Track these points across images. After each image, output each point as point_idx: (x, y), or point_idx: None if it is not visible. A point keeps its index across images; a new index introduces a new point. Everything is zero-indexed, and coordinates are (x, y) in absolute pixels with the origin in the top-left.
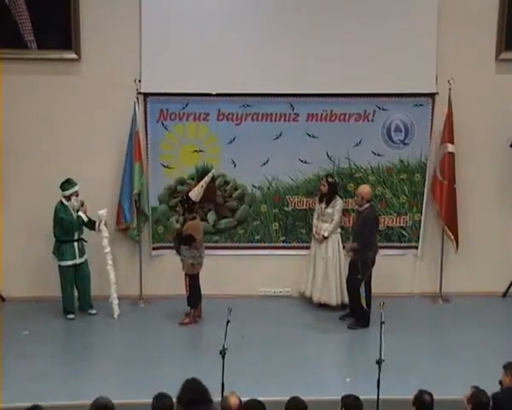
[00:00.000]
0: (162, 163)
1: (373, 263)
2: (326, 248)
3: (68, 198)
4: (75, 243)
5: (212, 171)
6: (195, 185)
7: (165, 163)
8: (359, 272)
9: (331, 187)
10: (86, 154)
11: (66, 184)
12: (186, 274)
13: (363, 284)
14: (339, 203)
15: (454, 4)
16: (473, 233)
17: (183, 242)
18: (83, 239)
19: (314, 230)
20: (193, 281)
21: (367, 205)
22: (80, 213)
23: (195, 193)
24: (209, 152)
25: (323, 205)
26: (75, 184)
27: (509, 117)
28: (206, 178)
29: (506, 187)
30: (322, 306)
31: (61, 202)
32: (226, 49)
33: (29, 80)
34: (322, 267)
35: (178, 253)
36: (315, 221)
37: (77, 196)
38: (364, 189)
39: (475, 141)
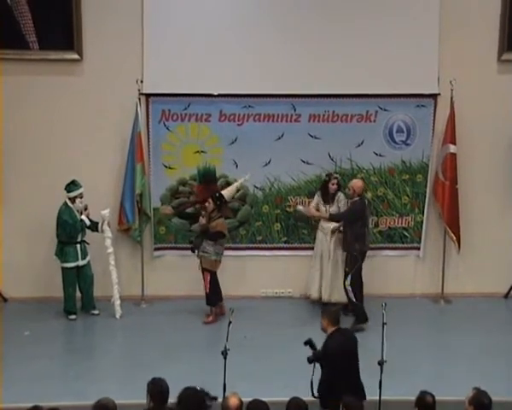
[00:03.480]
0: (164, 164)
1: (362, 258)
2: (334, 248)
3: (73, 200)
4: (78, 245)
5: (248, 174)
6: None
7: (167, 164)
8: (347, 265)
9: (339, 185)
10: (88, 154)
11: (72, 185)
12: (206, 271)
13: (349, 278)
14: (342, 199)
15: (456, 5)
16: (475, 234)
17: (211, 237)
18: (85, 241)
19: (320, 230)
20: (213, 278)
21: (357, 198)
22: (83, 217)
23: (229, 193)
24: (211, 153)
25: (329, 206)
26: (80, 186)
27: (511, 118)
28: (242, 181)
29: (508, 188)
30: (326, 305)
31: (66, 204)
32: (228, 50)
33: (31, 81)
34: (330, 267)
35: (195, 250)
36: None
37: (81, 198)
38: (357, 183)
39: (477, 142)
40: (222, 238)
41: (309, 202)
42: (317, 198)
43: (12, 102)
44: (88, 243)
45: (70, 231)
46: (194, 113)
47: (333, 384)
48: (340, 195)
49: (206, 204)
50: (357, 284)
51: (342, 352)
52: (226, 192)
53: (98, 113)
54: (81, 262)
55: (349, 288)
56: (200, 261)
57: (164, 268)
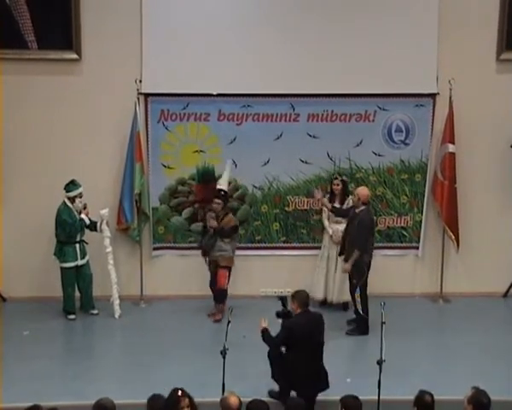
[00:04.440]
0: (163, 163)
1: (368, 268)
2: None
3: (72, 200)
4: (77, 245)
5: (230, 160)
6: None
7: (166, 163)
8: (354, 277)
9: (344, 186)
10: (87, 154)
11: (71, 185)
12: (224, 268)
13: (358, 290)
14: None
15: (455, 4)
16: (474, 233)
17: (228, 235)
18: (84, 241)
19: (330, 232)
20: (229, 274)
21: (362, 207)
22: (82, 216)
23: (226, 184)
24: (210, 152)
25: (337, 205)
26: (79, 186)
27: (510, 117)
28: (229, 168)
29: (507, 187)
30: (323, 305)
31: (65, 204)
32: (227, 50)
33: (29, 80)
34: (340, 269)
35: (208, 253)
36: (326, 222)
37: (81, 197)
38: (363, 191)
39: (476, 141)
40: (236, 232)
41: (308, 202)
42: (325, 201)
43: (11, 101)
44: (87, 243)
45: (70, 231)
46: (193, 112)
47: (288, 362)
48: (351, 200)
49: (215, 205)
50: (364, 296)
51: (304, 330)
52: (225, 185)
53: (97, 112)
54: (80, 262)
55: (358, 299)
56: (216, 261)
57: (163, 268)
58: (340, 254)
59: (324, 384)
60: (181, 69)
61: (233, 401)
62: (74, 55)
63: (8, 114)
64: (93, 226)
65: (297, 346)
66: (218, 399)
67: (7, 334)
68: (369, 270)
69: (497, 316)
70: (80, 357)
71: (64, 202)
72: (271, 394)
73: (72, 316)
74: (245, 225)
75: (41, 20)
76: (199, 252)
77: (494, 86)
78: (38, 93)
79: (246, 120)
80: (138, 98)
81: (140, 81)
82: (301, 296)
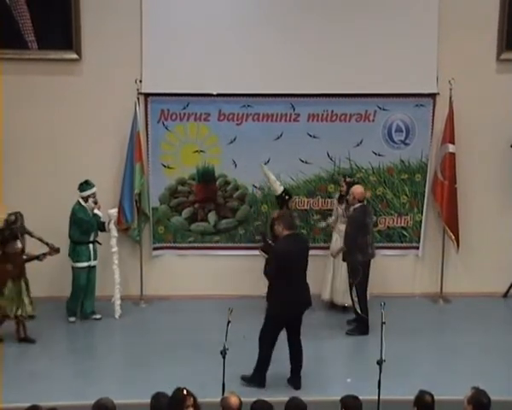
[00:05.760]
0: (163, 163)
1: (364, 267)
2: None
3: (85, 199)
4: (90, 245)
5: (261, 163)
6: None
7: (166, 163)
8: (350, 276)
9: (349, 187)
10: (87, 154)
11: (85, 185)
12: None
13: (354, 289)
14: None
15: (455, 4)
16: (474, 233)
17: None
18: (97, 241)
19: (334, 238)
20: None
21: (357, 205)
22: (96, 211)
23: (277, 187)
24: (210, 152)
25: (344, 206)
26: (93, 186)
27: (510, 117)
28: (265, 168)
29: (507, 187)
30: (331, 308)
31: (79, 203)
32: (227, 50)
33: (30, 80)
34: (345, 270)
35: None
36: (331, 222)
37: (94, 197)
38: (357, 189)
39: (476, 141)
40: None
41: (308, 202)
42: (335, 202)
43: (11, 101)
44: (100, 243)
45: (87, 228)
46: (193, 112)
47: (275, 281)
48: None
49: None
50: (362, 296)
51: (290, 252)
52: (278, 186)
53: (97, 113)
54: (92, 262)
55: (355, 299)
56: None
57: (163, 268)
58: (344, 260)
59: (308, 303)
60: (181, 69)
61: (233, 401)
62: (74, 55)
63: (8, 114)
64: (101, 226)
65: (286, 267)
66: (218, 399)
67: (7, 334)
68: (367, 269)
69: (497, 316)
70: (80, 357)
71: (78, 201)
72: (244, 378)
73: (72, 318)
74: (245, 225)
75: (41, 20)
76: (199, 252)
77: (494, 86)
78: (38, 93)
79: (246, 120)
80: (138, 98)
81: (140, 81)
82: (287, 218)
